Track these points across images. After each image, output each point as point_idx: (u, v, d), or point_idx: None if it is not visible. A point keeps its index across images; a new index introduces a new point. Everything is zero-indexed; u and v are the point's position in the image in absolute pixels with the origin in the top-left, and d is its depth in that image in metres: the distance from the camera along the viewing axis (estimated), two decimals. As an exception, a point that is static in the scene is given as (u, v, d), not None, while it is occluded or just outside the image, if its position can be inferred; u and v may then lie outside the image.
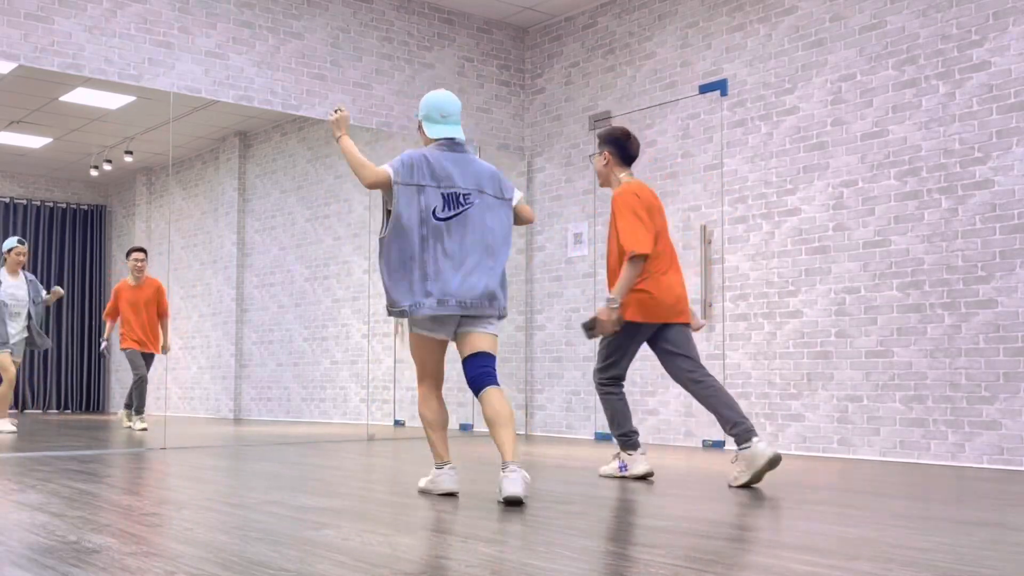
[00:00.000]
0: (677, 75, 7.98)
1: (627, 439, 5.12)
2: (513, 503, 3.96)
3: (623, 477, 5.10)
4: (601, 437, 8.35)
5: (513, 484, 3.94)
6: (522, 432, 9.04)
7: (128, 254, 8.34)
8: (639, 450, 5.12)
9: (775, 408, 7.10)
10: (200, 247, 9.02)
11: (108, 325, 8.29)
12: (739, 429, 4.74)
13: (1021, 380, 5.89)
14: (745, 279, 7.37)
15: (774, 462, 4.64)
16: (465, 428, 9.19)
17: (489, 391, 4.14)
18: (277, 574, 2.51)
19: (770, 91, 7.30)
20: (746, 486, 4.70)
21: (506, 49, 9.19)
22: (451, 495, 4.24)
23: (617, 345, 5.08)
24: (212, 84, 7.34)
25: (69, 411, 8.27)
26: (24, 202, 8.03)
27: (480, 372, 4.19)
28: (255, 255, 9.09)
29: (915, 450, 6.33)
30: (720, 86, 7.63)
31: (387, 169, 4.17)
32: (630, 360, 5.18)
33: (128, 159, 8.32)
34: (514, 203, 4.39)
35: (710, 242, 7.60)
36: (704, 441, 7.55)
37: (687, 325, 5.07)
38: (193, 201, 9.06)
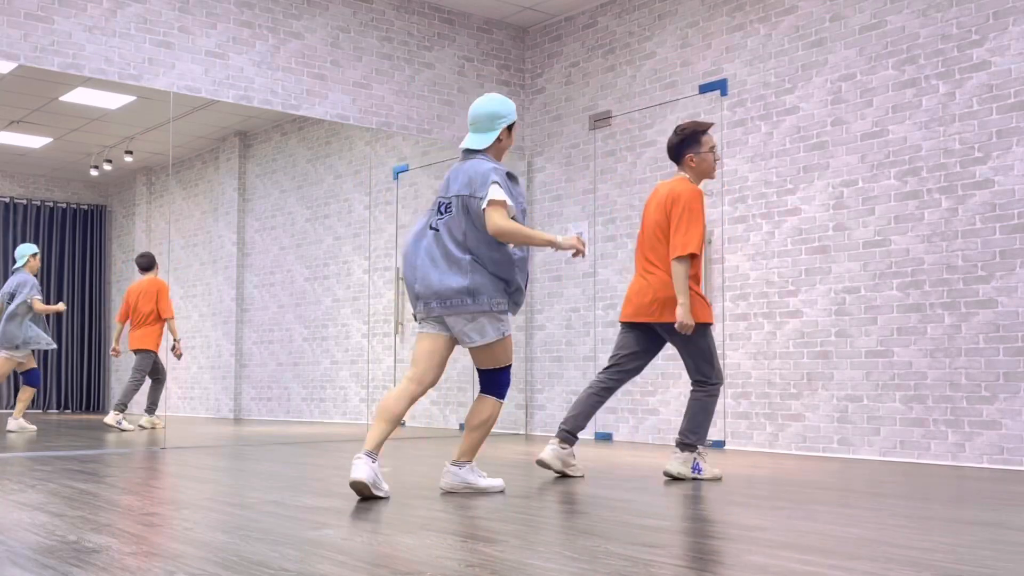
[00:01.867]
0: (677, 75, 7.98)
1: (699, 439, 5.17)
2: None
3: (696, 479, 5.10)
4: (601, 437, 8.35)
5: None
6: (522, 432, 9.04)
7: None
8: (705, 450, 5.29)
9: (775, 408, 7.10)
10: (200, 247, 9.02)
11: (118, 327, 8.31)
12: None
13: (1021, 380, 5.89)
14: (745, 279, 7.37)
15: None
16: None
17: (477, 397, 4.47)
18: (277, 574, 2.51)
19: (770, 91, 7.30)
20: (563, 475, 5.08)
21: (506, 49, 9.19)
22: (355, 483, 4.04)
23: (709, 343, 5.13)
24: (212, 84, 7.34)
25: (69, 411, 8.27)
26: (24, 202, 8.02)
27: (482, 382, 4.46)
28: (255, 255, 9.08)
29: (915, 450, 6.33)
30: (720, 86, 7.63)
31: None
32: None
33: (128, 159, 8.32)
34: (483, 206, 4.17)
35: (710, 242, 7.60)
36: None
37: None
38: (193, 201, 9.06)
